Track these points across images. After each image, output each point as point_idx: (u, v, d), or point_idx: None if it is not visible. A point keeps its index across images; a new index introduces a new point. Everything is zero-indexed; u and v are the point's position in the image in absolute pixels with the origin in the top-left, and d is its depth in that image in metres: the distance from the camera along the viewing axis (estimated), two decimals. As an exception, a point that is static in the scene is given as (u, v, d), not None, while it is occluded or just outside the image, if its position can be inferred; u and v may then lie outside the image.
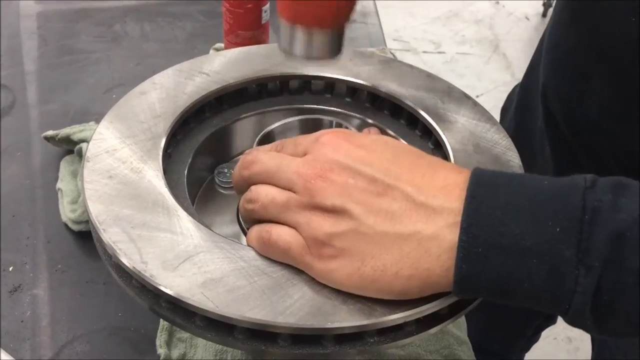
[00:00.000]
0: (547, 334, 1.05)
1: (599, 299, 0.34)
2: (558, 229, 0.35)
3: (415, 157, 0.42)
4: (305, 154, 0.42)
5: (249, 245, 0.44)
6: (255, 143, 0.55)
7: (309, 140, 0.43)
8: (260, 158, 0.44)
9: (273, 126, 0.57)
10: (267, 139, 0.56)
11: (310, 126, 0.57)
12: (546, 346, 1.58)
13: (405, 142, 0.56)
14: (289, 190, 0.41)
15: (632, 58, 0.53)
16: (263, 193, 0.43)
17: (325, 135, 0.42)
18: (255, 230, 0.43)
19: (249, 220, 0.46)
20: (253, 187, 0.44)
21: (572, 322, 0.36)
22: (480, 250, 0.36)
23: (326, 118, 0.57)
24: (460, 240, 0.36)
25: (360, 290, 0.40)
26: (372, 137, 0.43)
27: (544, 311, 0.40)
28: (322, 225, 0.39)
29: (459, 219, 0.36)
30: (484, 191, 0.37)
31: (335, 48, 0.50)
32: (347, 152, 0.41)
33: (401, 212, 0.38)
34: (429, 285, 0.38)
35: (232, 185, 0.58)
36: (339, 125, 0.55)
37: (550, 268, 0.35)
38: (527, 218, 0.35)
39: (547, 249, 0.35)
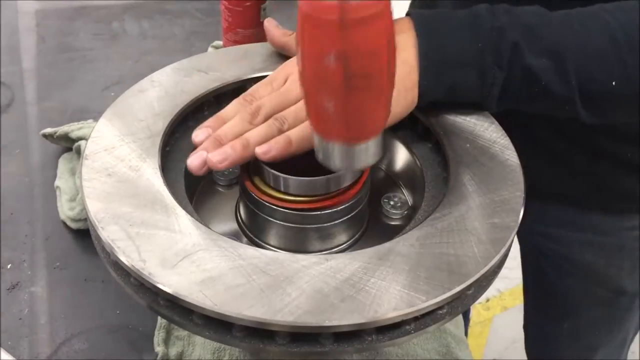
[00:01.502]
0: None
1: (508, 85, 0.52)
2: (480, 45, 0.51)
3: None
4: (286, 80, 0.52)
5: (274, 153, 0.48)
6: None
7: (282, 71, 0.53)
8: (264, 102, 0.51)
9: None
10: None
11: None
12: None
13: None
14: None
15: None
16: (290, 113, 0.50)
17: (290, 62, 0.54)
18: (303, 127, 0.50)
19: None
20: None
21: (496, 104, 0.54)
22: (432, 69, 0.51)
23: None
24: (419, 64, 0.51)
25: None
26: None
27: (475, 103, 0.55)
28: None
29: (415, 51, 0.52)
30: (427, 27, 0.52)
31: (378, 152, 0.45)
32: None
33: None
34: (409, 96, 0.52)
35: (230, 183, 0.59)
36: None
37: (478, 73, 0.52)
38: (462, 41, 0.51)
39: (477, 60, 0.51)
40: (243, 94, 0.53)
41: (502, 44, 0.51)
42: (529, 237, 0.81)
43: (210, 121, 0.50)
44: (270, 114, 0.50)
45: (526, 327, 0.95)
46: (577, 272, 0.78)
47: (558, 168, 0.71)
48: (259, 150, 0.47)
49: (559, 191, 0.73)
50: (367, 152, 0.43)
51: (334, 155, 0.43)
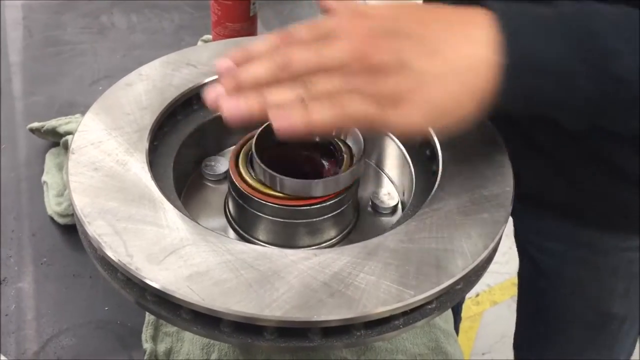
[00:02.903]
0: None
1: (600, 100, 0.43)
2: (575, 49, 0.42)
3: (432, 7, 0.46)
4: (328, 37, 0.43)
5: (290, 129, 0.41)
6: (256, 137, 0.51)
7: (328, 25, 0.44)
8: (296, 57, 0.43)
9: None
10: (267, 132, 0.54)
11: None
12: None
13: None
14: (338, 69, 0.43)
15: None
16: (321, 80, 0.43)
17: (341, 16, 0.45)
18: (323, 110, 0.42)
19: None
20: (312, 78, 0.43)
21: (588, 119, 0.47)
22: (518, 69, 0.42)
23: None
24: (502, 64, 0.42)
25: (434, 124, 0.44)
26: (389, 6, 0.46)
27: (561, 120, 0.50)
28: (386, 80, 0.42)
29: (494, 45, 0.42)
30: (513, 24, 0.43)
31: None
32: (375, 23, 0.43)
33: (446, 47, 0.42)
34: (480, 100, 0.43)
35: (219, 178, 0.58)
36: None
37: (566, 81, 0.43)
38: (550, 40, 0.42)
39: (568, 66, 0.42)
40: (280, 33, 0.46)
41: (598, 50, 0.43)
42: (526, 250, 0.80)
43: (236, 53, 0.46)
44: (299, 73, 0.43)
45: (516, 341, 0.93)
46: (569, 291, 0.76)
47: (557, 176, 0.69)
48: (275, 124, 0.42)
49: (557, 201, 0.71)
50: None
51: None
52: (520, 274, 0.85)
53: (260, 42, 0.46)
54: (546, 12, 0.44)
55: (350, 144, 0.53)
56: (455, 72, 0.42)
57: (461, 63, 0.42)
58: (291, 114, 0.41)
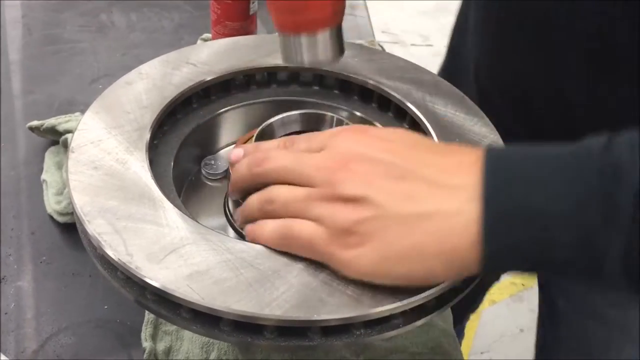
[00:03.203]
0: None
1: (630, 258, 0.34)
2: (581, 194, 0.34)
3: (428, 143, 0.44)
4: (320, 150, 0.43)
5: (252, 241, 0.44)
6: (255, 136, 0.52)
7: (326, 136, 0.43)
8: (274, 155, 0.44)
9: (273, 119, 0.54)
10: (267, 131, 0.54)
11: (313, 121, 0.55)
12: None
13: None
14: (307, 186, 0.41)
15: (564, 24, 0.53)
16: (283, 191, 0.42)
17: (344, 131, 0.43)
18: (272, 227, 0.43)
19: (258, 217, 0.44)
20: (271, 187, 0.43)
21: (606, 284, 0.36)
22: (504, 224, 0.36)
23: (328, 114, 0.56)
24: (484, 214, 0.36)
25: (385, 276, 0.40)
26: (388, 129, 0.45)
27: (575, 279, 0.41)
28: (347, 214, 0.39)
29: (479, 192, 0.37)
30: (502, 164, 0.38)
31: (338, 48, 0.51)
32: (366, 144, 0.41)
33: (422, 193, 0.39)
34: (454, 263, 0.38)
35: (219, 177, 0.58)
36: (340, 122, 0.54)
37: (578, 234, 0.34)
38: (548, 186, 0.35)
39: (573, 215, 0.34)
40: (281, 139, 0.47)
41: (619, 193, 0.34)
42: (547, 290, 0.77)
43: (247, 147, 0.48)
44: (271, 177, 0.44)
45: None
46: (578, 343, 0.71)
47: None
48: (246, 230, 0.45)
49: None
50: (327, 45, 0.49)
51: (298, 49, 0.49)
52: (540, 313, 0.81)
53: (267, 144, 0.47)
54: (546, 148, 0.38)
55: None
56: (427, 223, 0.38)
57: (436, 215, 0.38)
58: (251, 231, 0.44)
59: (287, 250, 0.42)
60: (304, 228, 0.41)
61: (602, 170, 0.34)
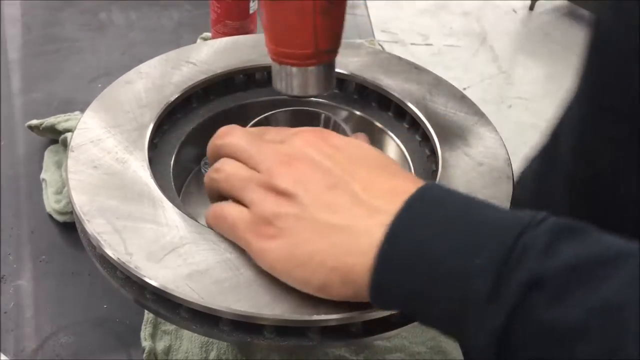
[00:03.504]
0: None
1: (504, 341, 0.32)
2: (479, 262, 0.33)
3: (381, 162, 0.43)
4: (280, 142, 0.44)
5: (207, 225, 0.45)
6: None
7: (290, 132, 0.45)
8: (236, 133, 0.46)
9: (263, 116, 0.55)
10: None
11: (303, 118, 0.56)
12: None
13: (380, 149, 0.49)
14: (254, 170, 0.43)
15: None
16: (231, 165, 0.44)
17: (305, 132, 0.44)
18: (211, 207, 0.45)
19: (212, 194, 0.47)
20: (222, 159, 0.46)
21: (475, 355, 0.34)
22: (394, 262, 0.36)
23: (318, 111, 0.56)
24: (382, 247, 0.36)
25: (286, 275, 0.40)
26: (347, 139, 0.44)
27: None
28: (272, 204, 0.40)
29: (390, 221, 0.36)
30: (423, 204, 0.37)
31: (329, 82, 0.51)
32: (316, 147, 0.42)
33: (344, 206, 0.39)
34: (349, 283, 0.38)
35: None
36: (328, 119, 0.54)
37: (461, 300, 0.33)
38: (452, 242, 0.34)
39: (462, 280, 0.33)
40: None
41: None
42: None
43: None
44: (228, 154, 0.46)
45: None
46: None
47: None
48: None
49: None
50: (319, 78, 0.49)
51: (289, 78, 0.48)
52: None
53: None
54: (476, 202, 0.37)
55: None
56: (336, 235, 0.38)
57: (347, 230, 0.38)
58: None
59: (220, 232, 0.44)
60: (232, 210, 0.43)
61: (511, 248, 0.33)
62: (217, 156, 0.46)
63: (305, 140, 0.43)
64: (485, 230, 0.34)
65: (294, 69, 0.49)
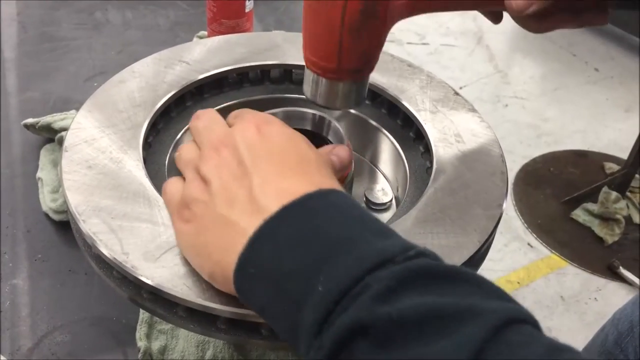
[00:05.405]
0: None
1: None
2: (321, 290, 0.32)
3: (298, 158, 0.41)
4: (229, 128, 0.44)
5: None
6: None
7: (244, 117, 0.44)
8: (203, 116, 0.46)
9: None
10: None
11: (295, 118, 0.56)
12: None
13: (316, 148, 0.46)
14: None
15: None
16: (187, 148, 0.45)
17: (247, 117, 0.43)
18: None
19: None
20: (189, 142, 0.46)
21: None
22: (252, 273, 0.35)
23: (311, 111, 0.56)
24: (243, 253, 0.36)
25: (189, 260, 0.41)
26: (283, 130, 0.43)
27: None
28: (194, 188, 0.41)
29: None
30: (297, 212, 0.36)
31: (359, 99, 0.49)
32: (245, 135, 0.42)
33: (241, 201, 0.38)
34: (227, 278, 0.37)
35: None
36: (322, 119, 0.54)
37: (293, 323, 0.33)
38: (304, 260, 0.33)
39: (298, 304, 0.32)
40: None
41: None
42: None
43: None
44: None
45: None
46: None
47: None
48: None
49: None
50: (345, 93, 0.48)
51: (315, 86, 0.48)
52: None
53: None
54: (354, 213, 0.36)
55: (331, 138, 0.53)
56: (225, 229, 0.38)
57: (234, 226, 0.37)
58: None
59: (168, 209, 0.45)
60: (172, 187, 0.44)
61: (356, 282, 0.31)
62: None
63: (242, 127, 0.42)
64: (343, 254, 0.33)
65: (323, 80, 0.47)
